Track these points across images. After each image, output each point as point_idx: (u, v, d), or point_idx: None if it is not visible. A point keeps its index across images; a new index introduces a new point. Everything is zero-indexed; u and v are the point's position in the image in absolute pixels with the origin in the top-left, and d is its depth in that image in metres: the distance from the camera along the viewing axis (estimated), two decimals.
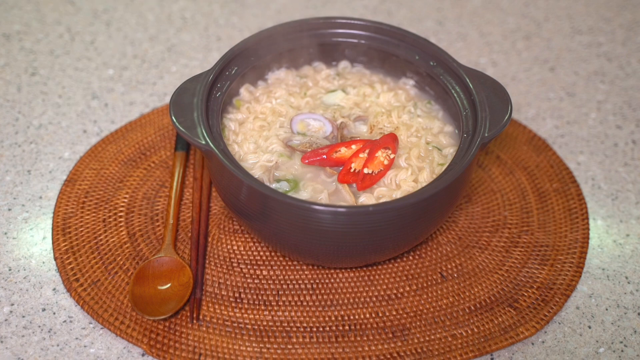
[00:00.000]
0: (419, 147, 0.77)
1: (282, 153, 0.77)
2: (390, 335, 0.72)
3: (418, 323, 0.73)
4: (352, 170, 0.74)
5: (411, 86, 0.87)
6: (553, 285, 0.76)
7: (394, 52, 0.85)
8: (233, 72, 0.80)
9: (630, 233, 0.84)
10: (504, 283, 0.77)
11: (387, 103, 0.84)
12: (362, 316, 0.74)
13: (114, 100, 0.99)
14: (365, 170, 0.74)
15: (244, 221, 0.72)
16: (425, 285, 0.77)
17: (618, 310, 0.75)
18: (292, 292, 0.76)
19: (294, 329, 0.72)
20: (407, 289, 0.76)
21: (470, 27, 1.17)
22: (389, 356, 0.70)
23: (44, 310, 0.73)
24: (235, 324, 0.72)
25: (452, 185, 0.69)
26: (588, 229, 0.83)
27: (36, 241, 0.80)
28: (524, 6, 1.23)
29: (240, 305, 0.74)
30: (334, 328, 0.73)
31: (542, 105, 1.02)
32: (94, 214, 0.82)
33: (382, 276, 0.77)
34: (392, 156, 0.75)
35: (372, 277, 0.77)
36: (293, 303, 0.75)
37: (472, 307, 0.75)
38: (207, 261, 0.78)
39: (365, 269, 0.78)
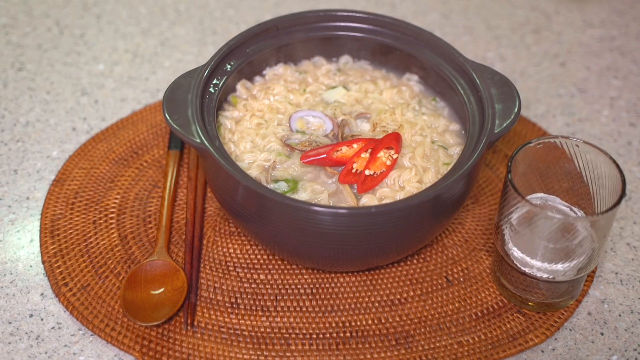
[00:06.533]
0: (424, 146, 0.78)
1: (281, 152, 0.77)
2: (394, 343, 0.72)
3: (422, 330, 0.73)
4: (353, 170, 0.74)
5: (415, 82, 0.87)
6: None
7: (397, 46, 0.85)
8: (229, 67, 0.80)
9: None
10: None
11: (390, 100, 0.84)
12: (364, 322, 0.74)
13: (104, 96, 1.00)
14: (367, 172, 0.74)
15: (241, 223, 0.72)
16: (430, 290, 0.77)
17: (632, 316, 0.75)
18: (290, 297, 0.76)
19: (293, 335, 0.72)
20: (411, 294, 0.77)
21: (477, 20, 1.17)
22: None
23: (31, 316, 0.73)
24: (232, 331, 0.72)
25: (458, 185, 0.69)
26: None
27: (23, 244, 0.80)
28: None
29: (236, 311, 0.74)
30: (334, 335, 0.73)
31: (552, 102, 1.02)
32: (83, 216, 0.82)
33: (385, 280, 0.77)
34: (394, 156, 0.75)
35: (374, 282, 0.77)
36: (292, 309, 0.75)
37: (479, 313, 0.75)
38: (202, 265, 0.78)
39: (367, 273, 0.78)
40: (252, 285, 0.76)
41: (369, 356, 0.71)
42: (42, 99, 0.99)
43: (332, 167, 0.76)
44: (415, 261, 0.79)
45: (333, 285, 0.77)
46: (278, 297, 0.76)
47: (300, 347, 0.71)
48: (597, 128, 0.98)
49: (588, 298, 0.77)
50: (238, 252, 0.80)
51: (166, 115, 0.71)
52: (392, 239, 0.69)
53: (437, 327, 0.73)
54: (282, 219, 0.67)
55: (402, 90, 0.85)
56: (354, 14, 0.85)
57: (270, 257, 0.79)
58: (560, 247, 0.68)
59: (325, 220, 0.66)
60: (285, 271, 0.78)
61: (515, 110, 0.73)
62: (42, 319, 0.73)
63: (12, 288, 0.76)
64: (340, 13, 0.86)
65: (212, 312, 0.74)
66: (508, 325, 0.74)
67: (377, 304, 0.75)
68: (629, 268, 0.80)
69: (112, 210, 0.83)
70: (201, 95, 0.74)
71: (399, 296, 0.76)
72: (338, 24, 0.86)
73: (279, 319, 0.74)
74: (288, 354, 0.71)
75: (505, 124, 0.72)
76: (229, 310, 0.74)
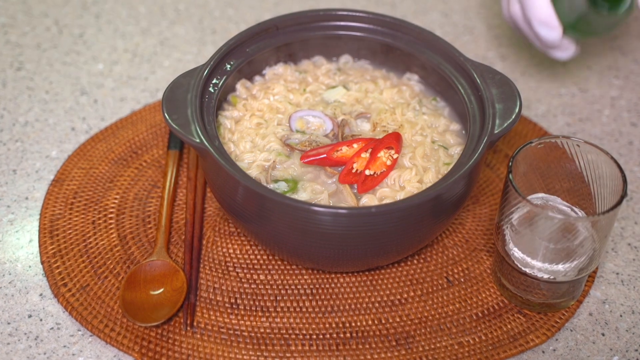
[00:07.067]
0: (424, 146, 0.78)
1: (280, 152, 0.77)
2: (394, 343, 0.72)
3: (423, 330, 0.73)
4: (353, 170, 0.74)
5: (416, 82, 0.87)
6: None
7: (397, 46, 0.85)
8: (229, 67, 0.80)
9: None
10: None
11: (390, 100, 0.84)
12: (364, 323, 0.74)
13: (103, 96, 1.00)
14: (367, 172, 0.74)
15: (240, 223, 0.72)
16: (430, 290, 0.77)
17: (633, 316, 0.75)
18: (290, 298, 0.76)
19: (293, 336, 0.72)
20: (412, 294, 0.77)
21: (477, 20, 1.17)
22: None
23: (30, 316, 0.73)
24: (231, 331, 0.72)
25: (458, 185, 0.69)
26: None
27: (22, 244, 0.80)
28: None
29: (236, 312, 0.74)
30: (334, 335, 0.73)
31: (553, 102, 1.02)
32: (82, 216, 0.82)
33: (385, 281, 0.77)
34: (395, 156, 0.75)
35: (374, 282, 0.77)
36: (292, 309, 0.75)
37: (480, 314, 0.75)
38: (201, 265, 0.78)
39: (367, 273, 0.78)
40: (252, 286, 0.76)
41: (369, 357, 0.71)
42: (41, 98, 0.99)
43: (332, 167, 0.76)
44: (415, 261, 0.79)
45: (333, 285, 0.77)
46: (278, 298, 0.76)
47: (300, 347, 0.71)
48: (598, 128, 0.98)
49: (589, 298, 0.77)
50: (238, 252, 0.80)
51: (165, 115, 0.71)
52: (392, 239, 0.69)
53: (437, 328, 0.73)
54: (282, 219, 0.67)
55: (403, 89, 0.85)
56: (354, 14, 0.85)
57: (270, 257, 0.79)
58: (561, 247, 0.68)
59: (325, 220, 0.65)
60: (285, 271, 0.78)
61: (516, 110, 0.73)
62: (41, 320, 0.73)
63: (11, 288, 0.76)
64: (340, 12, 0.86)
65: (211, 313, 0.74)
66: (509, 326, 0.74)
67: (377, 305, 0.75)
68: (630, 268, 0.80)
69: (111, 210, 0.83)
70: (201, 95, 0.74)
71: (399, 296, 0.76)
72: (338, 23, 0.86)
73: (278, 320, 0.74)
74: (288, 355, 0.71)
75: (506, 124, 0.72)
76: (229, 310, 0.74)
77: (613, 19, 0.79)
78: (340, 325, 0.73)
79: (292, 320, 0.74)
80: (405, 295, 0.76)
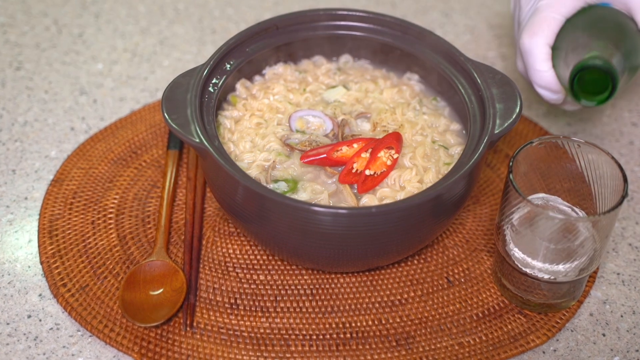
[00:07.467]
0: (425, 145, 0.78)
1: (280, 152, 0.77)
2: (394, 344, 0.72)
3: (423, 331, 0.73)
4: (353, 170, 0.74)
5: (416, 82, 0.87)
6: None
7: (397, 45, 0.85)
8: (228, 66, 0.80)
9: None
10: None
11: (390, 99, 0.84)
12: (364, 323, 0.74)
13: (103, 96, 1.00)
14: (367, 172, 0.74)
15: (240, 223, 0.72)
16: (430, 290, 0.77)
17: (634, 317, 0.75)
18: (290, 298, 0.76)
19: (293, 336, 0.72)
20: (412, 294, 0.77)
21: (478, 19, 1.17)
22: None
23: (29, 317, 0.73)
24: (231, 332, 0.72)
25: (458, 185, 0.69)
26: None
27: (21, 244, 0.80)
28: None
29: (236, 312, 0.74)
30: (334, 336, 0.73)
31: None
32: (82, 216, 0.82)
33: (385, 281, 0.77)
34: (395, 156, 0.75)
35: (374, 282, 0.77)
36: (292, 309, 0.75)
37: (480, 314, 0.75)
38: (201, 265, 0.78)
39: (367, 273, 0.78)
40: (252, 286, 0.76)
41: (369, 357, 0.71)
42: (41, 98, 0.99)
43: (332, 167, 0.76)
44: (415, 262, 0.80)
45: (333, 285, 0.77)
46: (278, 298, 0.76)
47: (300, 348, 0.71)
48: (598, 128, 0.98)
49: (590, 299, 0.77)
50: (237, 252, 0.80)
51: (165, 114, 0.71)
52: (392, 240, 0.69)
53: (437, 328, 0.73)
54: (282, 219, 0.67)
55: (403, 89, 0.85)
56: (354, 13, 0.85)
57: (270, 257, 0.79)
58: (562, 247, 0.68)
59: (325, 220, 0.66)
60: (285, 272, 0.78)
61: (517, 109, 0.73)
62: (40, 320, 0.73)
63: (10, 289, 0.76)
64: (340, 12, 0.86)
65: (211, 313, 0.74)
66: (509, 326, 0.74)
67: (377, 305, 0.75)
68: (631, 269, 0.80)
69: (110, 210, 0.83)
70: (200, 95, 0.74)
71: (399, 297, 0.76)
72: (338, 23, 0.86)
73: (278, 320, 0.74)
74: (288, 355, 0.71)
75: (506, 124, 0.72)
76: (229, 311, 0.74)
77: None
78: (340, 325, 0.73)
79: (292, 320, 0.74)
80: (406, 296, 0.76)
